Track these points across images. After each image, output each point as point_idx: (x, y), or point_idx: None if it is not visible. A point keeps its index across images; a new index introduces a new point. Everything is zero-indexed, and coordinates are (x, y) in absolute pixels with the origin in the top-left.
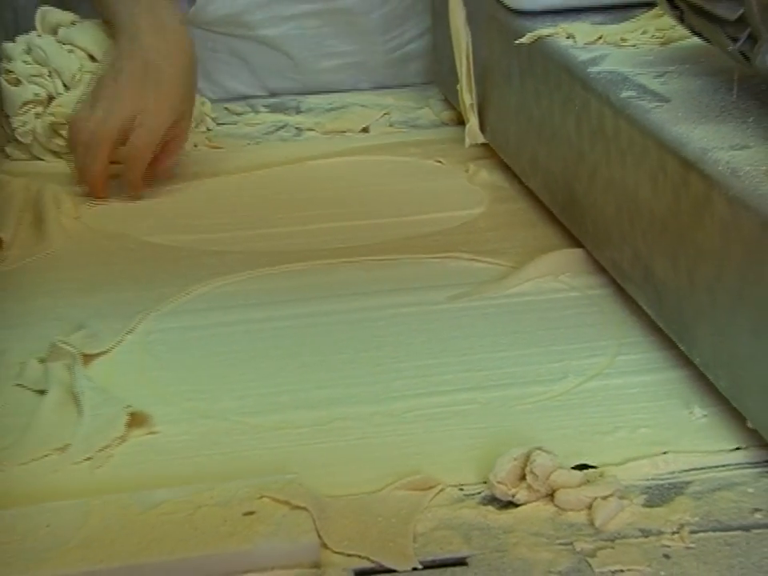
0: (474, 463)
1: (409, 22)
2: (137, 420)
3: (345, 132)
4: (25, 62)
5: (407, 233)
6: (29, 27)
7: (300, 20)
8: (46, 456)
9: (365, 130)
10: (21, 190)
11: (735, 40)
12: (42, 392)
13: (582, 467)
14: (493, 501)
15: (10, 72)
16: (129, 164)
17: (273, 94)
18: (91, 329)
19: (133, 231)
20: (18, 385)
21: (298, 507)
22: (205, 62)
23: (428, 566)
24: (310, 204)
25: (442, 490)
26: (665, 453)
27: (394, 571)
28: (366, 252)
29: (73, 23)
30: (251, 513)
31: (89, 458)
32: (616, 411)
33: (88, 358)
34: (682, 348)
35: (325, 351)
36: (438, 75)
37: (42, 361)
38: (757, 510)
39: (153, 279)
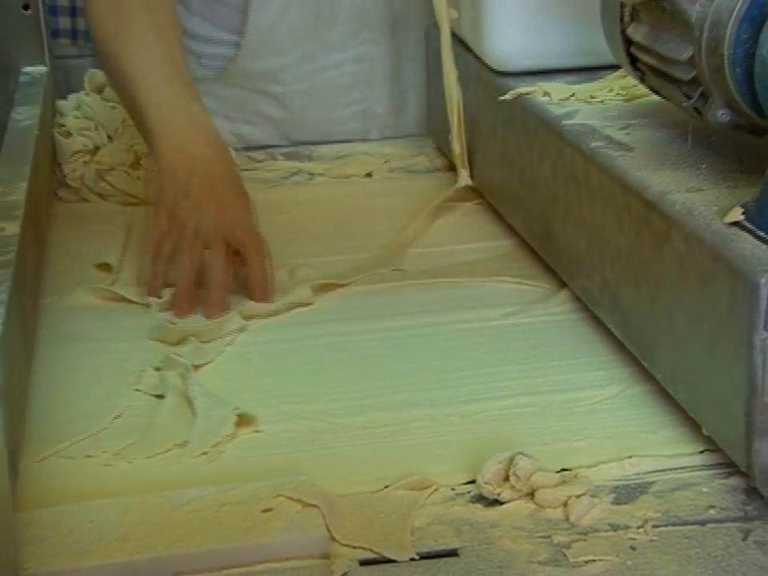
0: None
1: (406, 74)
2: (243, 420)
3: (350, 177)
4: (75, 117)
5: (457, 260)
6: (78, 87)
7: (324, 72)
8: (168, 451)
9: (368, 175)
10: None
11: (689, 97)
12: (159, 396)
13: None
14: (481, 499)
15: (62, 126)
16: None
17: (292, 143)
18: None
19: None
20: (137, 390)
21: (309, 505)
22: (234, 116)
23: (423, 557)
24: (369, 235)
25: (436, 490)
26: (630, 457)
27: (394, 561)
28: (427, 276)
29: None
30: (269, 510)
31: (204, 453)
32: (589, 420)
33: (196, 367)
34: (645, 365)
35: (399, 361)
36: (432, 127)
37: (158, 369)
38: (711, 506)
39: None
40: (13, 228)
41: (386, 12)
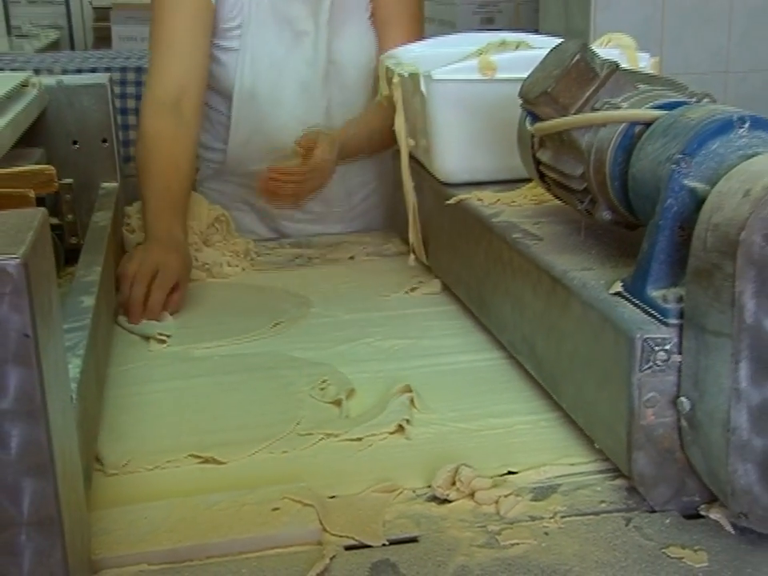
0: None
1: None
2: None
3: (338, 260)
4: (137, 218)
5: (416, 319)
6: (137, 198)
7: None
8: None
9: (351, 258)
10: None
11: (582, 202)
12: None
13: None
14: (434, 499)
15: (128, 225)
16: (153, 293)
17: (288, 237)
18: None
19: None
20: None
21: (307, 505)
22: (228, 205)
23: (392, 542)
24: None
25: (401, 492)
26: (544, 466)
27: (370, 546)
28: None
29: None
30: (277, 509)
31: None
32: (514, 439)
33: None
34: (554, 398)
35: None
36: (397, 223)
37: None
38: (603, 501)
39: None
40: (89, 300)
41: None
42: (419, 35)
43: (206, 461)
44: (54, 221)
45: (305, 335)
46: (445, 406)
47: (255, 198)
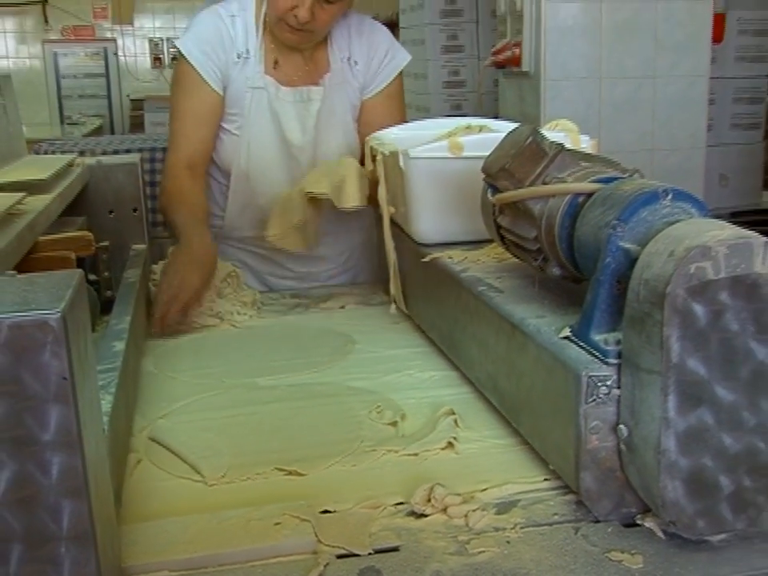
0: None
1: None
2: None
3: (331, 308)
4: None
5: (395, 358)
6: (164, 257)
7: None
8: None
9: (342, 306)
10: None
11: (536, 260)
12: None
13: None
14: (412, 513)
15: (155, 280)
16: (171, 314)
17: (292, 290)
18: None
19: None
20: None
21: (305, 520)
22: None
23: (377, 551)
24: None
25: (384, 508)
26: (506, 484)
27: (358, 555)
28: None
29: None
30: (278, 523)
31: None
32: (481, 461)
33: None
34: (515, 426)
35: (367, 424)
36: (381, 276)
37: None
38: (555, 514)
39: None
40: (120, 345)
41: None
42: None
43: (290, 473)
44: (93, 277)
45: (354, 367)
46: (422, 431)
47: (250, 258)
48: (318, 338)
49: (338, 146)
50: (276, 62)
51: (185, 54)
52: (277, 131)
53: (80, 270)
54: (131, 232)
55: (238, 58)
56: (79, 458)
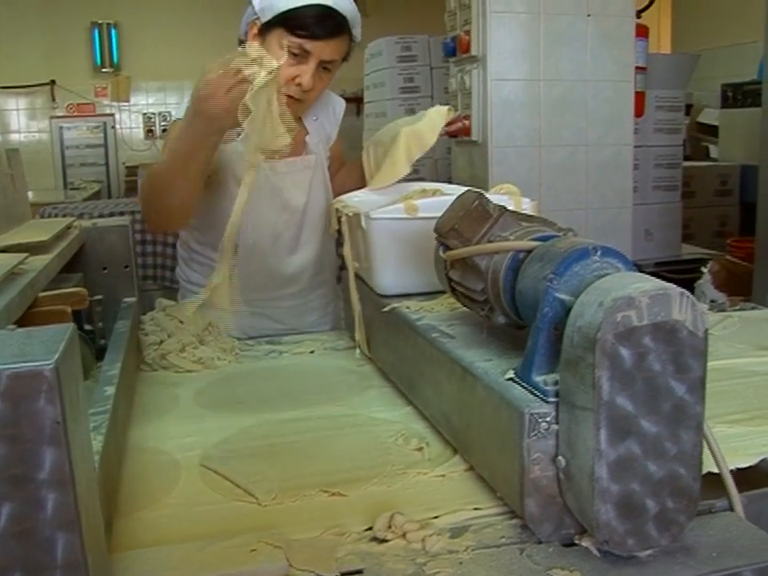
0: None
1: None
2: None
3: (302, 353)
4: (150, 325)
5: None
6: (152, 308)
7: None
8: None
9: (312, 351)
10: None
11: (483, 309)
12: None
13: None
14: (375, 539)
15: (143, 330)
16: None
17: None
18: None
19: None
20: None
21: (277, 547)
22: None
23: (343, 574)
24: (311, 383)
25: (349, 535)
26: (459, 510)
27: None
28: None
29: (170, 307)
30: (254, 550)
31: None
32: (438, 490)
33: None
34: (466, 458)
35: (337, 457)
36: (347, 324)
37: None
38: (503, 536)
39: None
40: (111, 390)
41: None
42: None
43: (334, 494)
44: (89, 327)
45: (375, 400)
46: (381, 463)
47: (249, 317)
48: (335, 375)
49: (325, 197)
50: None
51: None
52: (281, 202)
53: (73, 324)
54: (123, 286)
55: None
56: (72, 495)
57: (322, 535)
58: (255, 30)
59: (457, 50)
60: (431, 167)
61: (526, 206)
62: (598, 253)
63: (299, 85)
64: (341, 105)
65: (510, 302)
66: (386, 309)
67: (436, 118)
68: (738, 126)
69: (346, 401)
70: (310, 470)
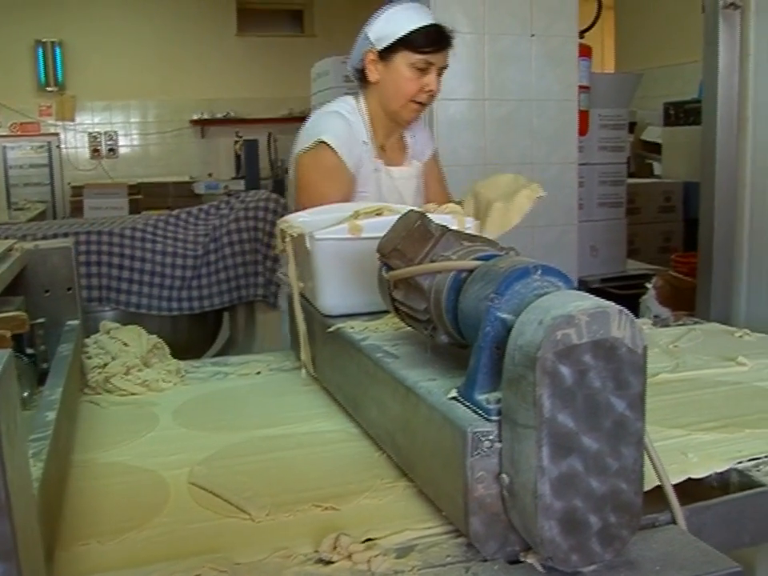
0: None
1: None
2: None
3: (247, 374)
4: (93, 348)
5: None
6: (96, 331)
7: None
8: None
9: (258, 372)
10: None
11: (427, 329)
12: None
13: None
14: (321, 561)
15: (86, 353)
16: None
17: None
18: None
19: None
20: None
21: (222, 571)
22: None
23: None
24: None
25: (296, 557)
26: (405, 530)
27: None
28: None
29: (115, 329)
30: (199, 575)
31: None
32: (383, 509)
33: None
34: (411, 477)
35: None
36: (293, 344)
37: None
38: (449, 555)
39: None
40: (52, 415)
41: None
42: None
43: (326, 508)
44: (31, 350)
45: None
46: (328, 485)
47: None
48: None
49: (420, 204)
50: (382, 147)
51: (333, 147)
52: (396, 203)
53: (10, 350)
54: (65, 309)
55: (364, 144)
56: (8, 524)
57: (269, 558)
58: (372, 57)
59: None
60: None
61: (469, 225)
62: (539, 272)
63: (429, 92)
64: (429, 133)
65: (453, 322)
66: (330, 329)
67: (524, 200)
68: (680, 143)
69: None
70: (297, 486)
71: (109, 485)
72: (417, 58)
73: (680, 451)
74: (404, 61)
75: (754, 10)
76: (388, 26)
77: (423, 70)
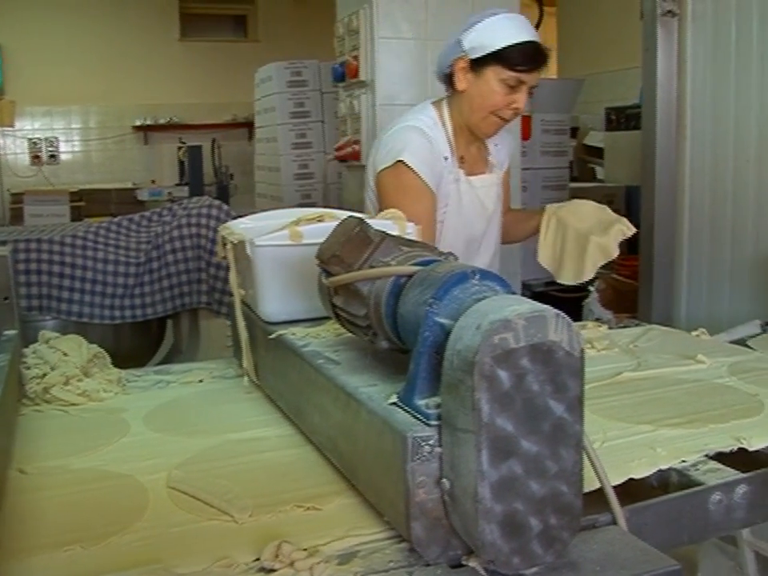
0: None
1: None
2: None
3: (190, 382)
4: (32, 358)
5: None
6: (35, 340)
7: None
8: None
9: (201, 381)
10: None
11: (367, 334)
12: None
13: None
14: (263, 569)
15: (24, 363)
16: None
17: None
18: None
19: None
20: None
21: None
22: None
23: None
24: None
25: (237, 566)
26: (347, 537)
27: None
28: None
29: (54, 339)
30: None
31: None
32: (325, 516)
33: None
34: (353, 483)
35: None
36: (235, 352)
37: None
38: (391, 560)
39: None
40: None
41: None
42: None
43: (308, 508)
44: None
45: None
46: (267, 493)
47: None
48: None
49: (501, 212)
50: (462, 158)
51: (413, 168)
52: (481, 209)
53: None
54: (2, 319)
55: (445, 160)
56: None
57: (210, 567)
58: (463, 65)
59: (345, 75)
60: (322, 192)
61: (410, 231)
62: (477, 276)
63: (515, 109)
64: (514, 140)
65: (393, 327)
66: (272, 336)
67: (618, 234)
68: (621, 148)
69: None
70: (276, 488)
71: (86, 490)
72: (509, 74)
73: (648, 446)
74: (495, 75)
75: (691, 17)
76: (484, 37)
77: (513, 87)
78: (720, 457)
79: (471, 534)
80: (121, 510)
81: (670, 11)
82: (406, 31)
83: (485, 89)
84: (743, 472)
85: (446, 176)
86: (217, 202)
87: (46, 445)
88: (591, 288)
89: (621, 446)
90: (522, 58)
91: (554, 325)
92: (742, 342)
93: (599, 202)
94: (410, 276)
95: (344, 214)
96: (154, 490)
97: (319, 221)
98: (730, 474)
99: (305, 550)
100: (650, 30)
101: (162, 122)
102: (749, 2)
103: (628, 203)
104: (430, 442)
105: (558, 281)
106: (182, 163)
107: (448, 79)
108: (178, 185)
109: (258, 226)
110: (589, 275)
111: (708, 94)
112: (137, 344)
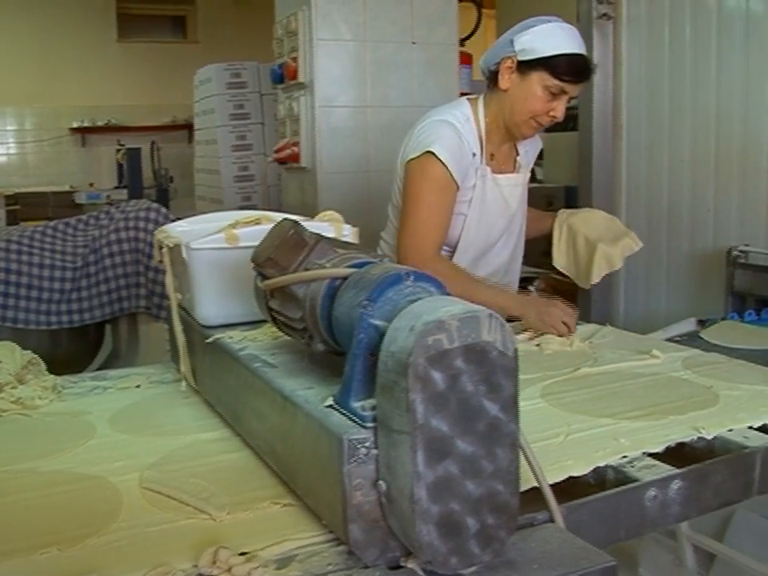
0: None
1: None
2: None
3: (128, 387)
4: None
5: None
6: None
7: None
8: None
9: (138, 386)
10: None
11: (303, 337)
12: None
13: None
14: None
15: None
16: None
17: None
18: None
19: None
20: None
21: None
22: None
23: None
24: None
25: (175, 573)
26: (285, 541)
27: None
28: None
29: None
30: None
31: None
32: (263, 520)
33: None
34: (291, 486)
35: None
36: (173, 357)
37: None
38: (329, 564)
39: None
40: None
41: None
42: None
43: (285, 505)
44: None
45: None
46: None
47: None
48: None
49: (525, 212)
50: (492, 156)
51: (442, 160)
52: (505, 206)
53: None
54: None
55: (473, 156)
56: None
57: (148, 574)
58: (510, 64)
59: (284, 76)
60: (263, 194)
61: (347, 233)
62: (411, 278)
63: (553, 117)
64: (540, 143)
65: (328, 329)
66: (209, 340)
67: (626, 248)
68: (560, 149)
69: None
70: (251, 485)
71: (57, 493)
72: (554, 83)
73: (612, 437)
74: (540, 81)
75: (626, 20)
76: (536, 41)
77: (555, 95)
78: (655, 454)
79: (409, 535)
80: (95, 512)
81: (605, 14)
82: (345, 33)
83: (528, 92)
84: (678, 468)
85: (471, 171)
86: (155, 206)
87: (9, 449)
88: (531, 288)
89: (585, 438)
90: (570, 68)
91: (488, 325)
92: (679, 340)
93: (539, 203)
94: (344, 278)
95: (284, 215)
96: (127, 491)
97: (256, 224)
98: (665, 470)
99: (242, 554)
100: (585, 32)
101: (100, 123)
102: (682, 5)
103: (567, 203)
104: (366, 444)
105: (579, 285)
106: (120, 166)
107: (492, 76)
108: (116, 188)
109: (195, 229)
110: (595, 281)
111: (643, 96)
112: (75, 350)
